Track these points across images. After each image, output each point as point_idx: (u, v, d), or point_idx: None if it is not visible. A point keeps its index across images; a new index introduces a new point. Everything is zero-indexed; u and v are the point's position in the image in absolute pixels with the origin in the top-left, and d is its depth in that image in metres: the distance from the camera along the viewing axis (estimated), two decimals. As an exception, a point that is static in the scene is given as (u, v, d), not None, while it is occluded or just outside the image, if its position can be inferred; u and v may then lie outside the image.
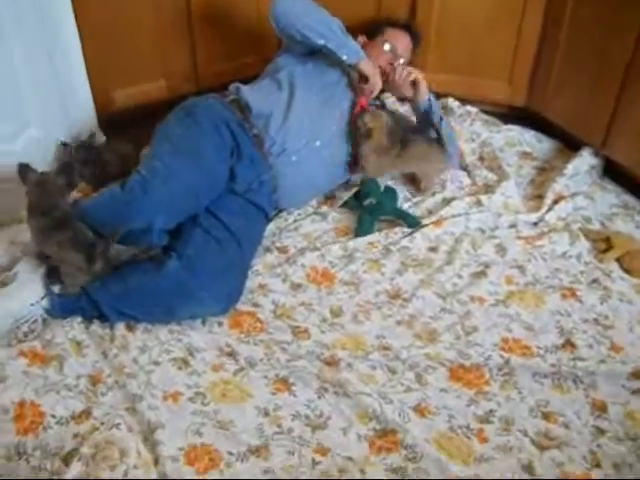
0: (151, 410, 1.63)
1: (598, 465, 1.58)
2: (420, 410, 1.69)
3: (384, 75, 2.31)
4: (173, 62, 2.56)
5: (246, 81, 2.30)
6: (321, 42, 2.16)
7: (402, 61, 2.38)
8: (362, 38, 2.43)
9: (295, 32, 2.18)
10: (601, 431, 1.66)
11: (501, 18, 2.56)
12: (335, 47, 2.16)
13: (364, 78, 2.20)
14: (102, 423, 1.58)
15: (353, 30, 2.34)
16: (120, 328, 1.84)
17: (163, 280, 1.83)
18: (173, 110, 2.14)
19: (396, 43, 2.39)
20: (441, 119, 2.37)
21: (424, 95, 2.34)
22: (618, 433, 1.66)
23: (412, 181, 2.43)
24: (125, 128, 2.43)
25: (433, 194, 2.41)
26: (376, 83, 2.21)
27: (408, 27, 2.48)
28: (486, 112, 2.80)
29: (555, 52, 2.51)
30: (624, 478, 1.55)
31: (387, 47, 2.36)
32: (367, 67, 2.19)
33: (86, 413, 1.62)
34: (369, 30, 2.46)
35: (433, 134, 2.37)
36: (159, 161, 1.95)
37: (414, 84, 2.32)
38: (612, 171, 2.52)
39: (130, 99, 2.51)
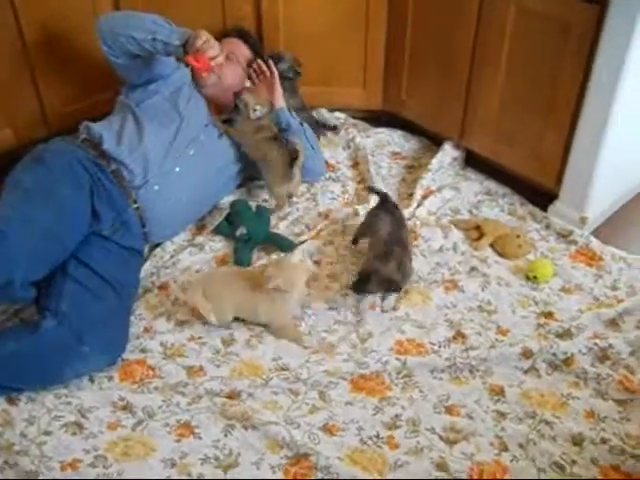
0: (49, 485, 1.53)
1: (505, 449, 1.64)
2: (329, 429, 1.68)
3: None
4: (18, 108, 2.43)
5: (101, 119, 2.23)
6: (149, 37, 2.06)
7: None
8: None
9: (124, 40, 2.09)
10: (502, 414, 1.72)
11: (347, 27, 2.61)
12: (165, 37, 2.06)
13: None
14: (-3, 512, 1.47)
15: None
16: (0, 402, 1.71)
17: (40, 342, 1.72)
18: (21, 160, 2.02)
19: (233, 50, 2.44)
20: (304, 130, 2.43)
21: (280, 99, 2.39)
22: (518, 413, 1.73)
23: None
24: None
25: (308, 210, 2.41)
26: (214, 46, 2.03)
27: (239, 33, 2.52)
28: (354, 117, 2.86)
29: (403, 54, 2.60)
30: (532, 457, 1.62)
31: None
32: (199, 34, 2.03)
33: (-23, 505, 1.49)
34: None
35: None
36: (11, 209, 1.82)
37: (269, 87, 2.38)
38: (473, 160, 2.63)
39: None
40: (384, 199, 2.18)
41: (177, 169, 2.16)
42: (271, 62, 2.47)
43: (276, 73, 2.45)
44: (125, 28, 2.10)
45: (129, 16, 2.19)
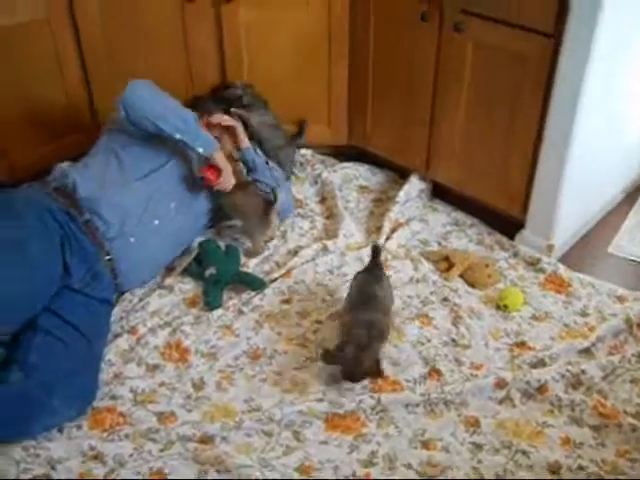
0: (19, 542, 1.48)
1: (482, 481, 1.63)
2: (304, 469, 1.66)
3: None
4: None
5: (71, 159, 2.20)
6: (177, 136, 2.10)
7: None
8: (205, 120, 2.35)
9: (149, 125, 2.09)
10: (478, 446, 1.72)
11: (309, 68, 2.63)
12: (190, 141, 2.12)
13: (216, 168, 2.19)
14: None
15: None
16: (-34, 458, 1.66)
17: (6, 396, 1.68)
18: None
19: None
20: (269, 168, 2.46)
21: (245, 141, 2.39)
22: (494, 444, 1.72)
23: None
24: None
25: (277, 247, 2.40)
26: (228, 176, 2.20)
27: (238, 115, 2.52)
28: (321, 153, 2.88)
29: (366, 90, 2.63)
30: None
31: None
32: (221, 160, 2.18)
33: None
34: (196, 108, 2.38)
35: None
36: None
37: (232, 134, 2.38)
38: (440, 192, 2.65)
39: None
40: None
41: (156, 222, 2.13)
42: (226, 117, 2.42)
43: (237, 123, 2.41)
44: (152, 114, 2.09)
45: (160, 100, 2.14)
